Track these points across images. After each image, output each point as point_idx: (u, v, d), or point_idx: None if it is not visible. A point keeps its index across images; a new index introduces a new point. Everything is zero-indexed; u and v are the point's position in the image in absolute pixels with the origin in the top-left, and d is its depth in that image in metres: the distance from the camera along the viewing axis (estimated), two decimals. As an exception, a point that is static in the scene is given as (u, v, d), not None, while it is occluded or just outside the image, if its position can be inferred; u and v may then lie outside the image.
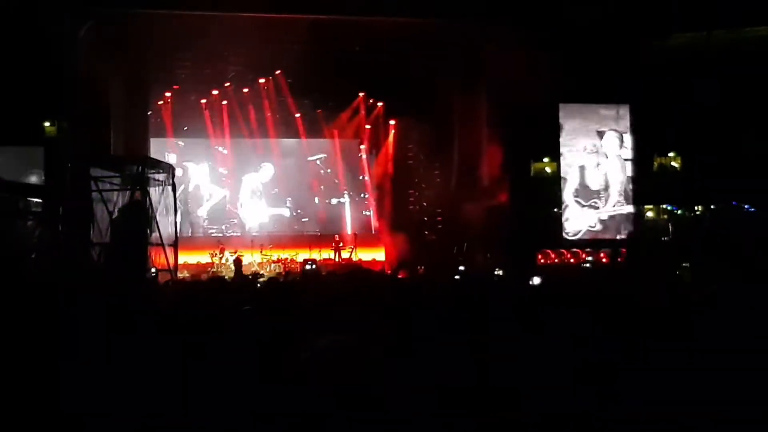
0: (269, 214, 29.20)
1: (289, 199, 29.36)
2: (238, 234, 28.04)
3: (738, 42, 23.91)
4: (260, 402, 3.41)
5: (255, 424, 3.42)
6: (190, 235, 27.72)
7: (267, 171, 29.31)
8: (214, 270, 24.71)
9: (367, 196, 29.89)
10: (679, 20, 23.45)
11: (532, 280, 10.70)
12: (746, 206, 25.41)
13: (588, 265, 23.72)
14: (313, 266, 24.01)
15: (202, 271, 24.49)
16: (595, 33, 23.09)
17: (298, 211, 29.38)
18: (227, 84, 27.61)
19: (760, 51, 23.78)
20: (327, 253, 27.31)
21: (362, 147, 29.89)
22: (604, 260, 24.92)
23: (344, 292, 6.35)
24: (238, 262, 24.00)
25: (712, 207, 25.79)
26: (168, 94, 27.50)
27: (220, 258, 25.55)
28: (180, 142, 28.43)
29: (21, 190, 18.08)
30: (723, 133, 23.36)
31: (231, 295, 7.07)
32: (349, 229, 28.89)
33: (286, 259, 26.25)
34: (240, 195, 29.09)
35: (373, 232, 29.39)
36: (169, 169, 21.92)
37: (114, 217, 19.45)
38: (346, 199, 29.59)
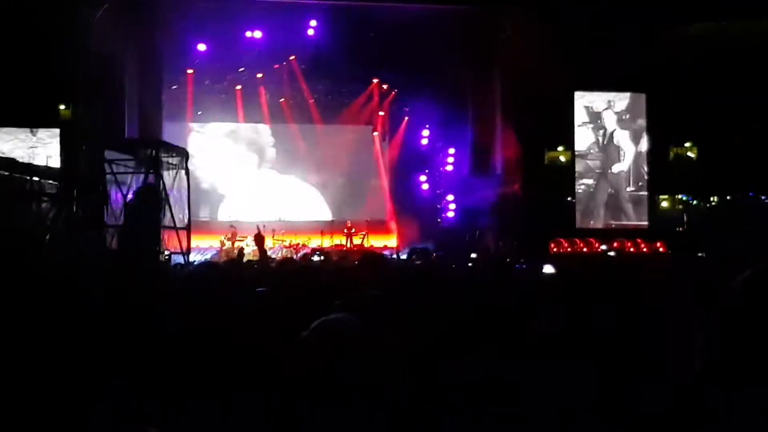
0: (282, 199, 29.19)
1: (302, 184, 29.37)
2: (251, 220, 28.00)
3: (756, 32, 23.80)
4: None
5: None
6: (208, 218, 27.62)
7: (280, 155, 29.33)
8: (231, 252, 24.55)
9: (379, 182, 29.84)
10: (697, 9, 23.34)
11: (544, 269, 10.56)
12: (763, 197, 25.34)
13: (612, 253, 23.59)
14: (321, 257, 23.20)
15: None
16: (612, 20, 22.98)
17: (310, 196, 29.38)
18: (241, 69, 27.62)
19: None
20: (339, 239, 27.35)
21: (375, 134, 29.87)
22: (631, 249, 24.89)
23: (357, 276, 6.34)
24: (259, 239, 23.54)
25: (728, 197, 25.74)
26: (183, 77, 27.53)
27: (232, 243, 25.51)
28: (195, 126, 28.44)
29: (36, 171, 18.10)
30: (739, 123, 23.28)
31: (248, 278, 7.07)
32: (360, 216, 28.84)
33: (298, 244, 26.27)
34: (252, 180, 29.10)
35: (385, 218, 29.36)
36: (183, 153, 21.93)
37: (128, 200, 19.49)
38: (357, 185, 29.53)
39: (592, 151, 26.59)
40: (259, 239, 23.03)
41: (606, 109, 26.63)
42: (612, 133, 26.60)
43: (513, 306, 4.98)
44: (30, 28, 21.57)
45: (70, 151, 22.35)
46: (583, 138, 26.52)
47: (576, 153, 26.35)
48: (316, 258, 22.28)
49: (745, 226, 22.50)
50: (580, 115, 26.51)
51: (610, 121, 26.65)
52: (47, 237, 16.18)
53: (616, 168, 26.69)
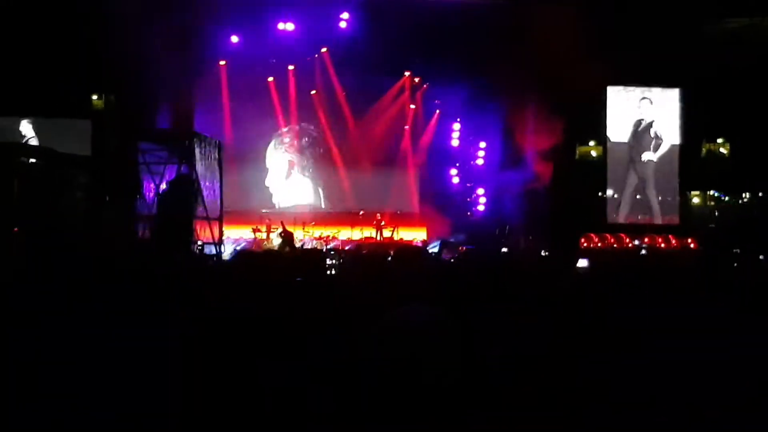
0: (312, 191, 29.24)
1: (333, 176, 29.39)
2: (282, 208, 27.99)
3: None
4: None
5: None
6: (239, 209, 27.50)
7: (311, 148, 29.36)
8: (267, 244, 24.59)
9: (409, 175, 29.78)
10: (734, 4, 23.17)
11: (579, 263, 10.57)
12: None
13: (644, 251, 23.53)
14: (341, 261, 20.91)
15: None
16: (645, 15, 22.86)
17: (341, 188, 29.39)
18: (273, 61, 27.68)
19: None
20: (368, 231, 27.35)
21: (406, 127, 29.81)
22: (662, 245, 24.84)
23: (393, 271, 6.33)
24: (289, 237, 23.59)
25: (760, 195, 25.58)
26: (215, 68, 27.59)
27: (267, 234, 25.54)
28: (226, 117, 28.46)
29: (69, 161, 18.24)
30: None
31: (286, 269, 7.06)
32: (390, 209, 28.79)
33: (328, 236, 26.28)
34: (283, 172, 29.12)
35: (415, 211, 29.29)
36: (216, 144, 22.05)
37: (161, 190, 19.63)
38: (387, 178, 29.47)
39: (625, 141, 26.54)
40: (288, 235, 23.12)
41: (643, 98, 26.57)
42: (650, 124, 26.51)
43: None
44: (63, 18, 21.71)
45: (102, 141, 22.48)
46: (618, 127, 26.45)
47: (610, 143, 26.32)
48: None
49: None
50: (616, 104, 26.45)
51: (647, 112, 26.57)
52: (80, 225, 16.32)
53: (645, 156, 26.59)
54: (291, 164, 29.25)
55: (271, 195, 28.59)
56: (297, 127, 29.21)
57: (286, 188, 29.00)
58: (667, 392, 3.56)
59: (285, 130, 29.15)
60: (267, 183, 28.76)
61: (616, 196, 26.52)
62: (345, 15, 26.31)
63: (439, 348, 2.54)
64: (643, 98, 26.67)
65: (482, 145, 28.43)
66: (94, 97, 24.06)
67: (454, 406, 2.60)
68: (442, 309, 2.80)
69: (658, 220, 26.45)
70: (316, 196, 29.25)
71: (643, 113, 26.69)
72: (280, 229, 25.30)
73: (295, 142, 29.28)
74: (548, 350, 3.68)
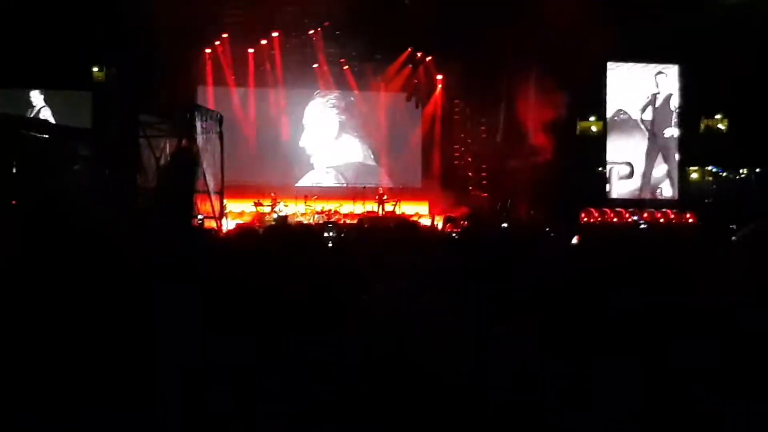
0: (315, 164, 29.27)
1: (336, 150, 29.42)
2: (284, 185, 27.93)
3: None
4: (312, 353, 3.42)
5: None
6: (242, 182, 27.34)
7: (313, 121, 29.35)
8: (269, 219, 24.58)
9: (412, 149, 29.77)
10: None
11: (573, 240, 10.41)
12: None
13: (644, 225, 23.54)
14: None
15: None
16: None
17: (344, 162, 29.42)
18: (275, 34, 27.62)
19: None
20: (371, 206, 27.40)
21: (409, 101, 29.77)
22: (661, 220, 24.90)
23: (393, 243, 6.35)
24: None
25: (757, 170, 25.60)
26: (217, 42, 27.55)
27: (273, 207, 25.54)
28: (229, 90, 28.42)
29: (70, 134, 18.23)
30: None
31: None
32: (393, 183, 28.82)
33: (330, 210, 26.31)
34: (285, 145, 29.07)
35: (418, 186, 29.32)
36: (217, 117, 22.01)
37: (161, 163, 19.61)
38: (390, 152, 29.49)
39: (647, 116, 26.64)
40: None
41: (659, 73, 26.63)
42: (668, 97, 26.58)
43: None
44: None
45: (103, 113, 22.45)
46: (631, 102, 26.52)
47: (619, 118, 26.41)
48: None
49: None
50: (628, 78, 26.52)
51: (666, 85, 26.64)
52: (80, 199, 16.32)
53: (668, 132, 26.68)
54: (293, 137, 29.20)
55: (273, 168, 28.33)
56: (299, 100, 29.20)
57: (289, 162, 28.90)
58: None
59: (287, 102, 29.07)
60: (270, 156, 28.57)
61: (631, 171, 26.56)
62: None
63: (420, 332, 2.54)
64: (659, 73, 26.68)
65: (484, 120, 28.40)
66: (95, 69, 24.01)
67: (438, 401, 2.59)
68: (430, 288, 2.81)
69: (671, 195, 26.56)
70: (318, 170, 29.24)
71: (660, 89, 26.72)
72: (283, 203, 25.42)
73: (298, 116, 29.25)
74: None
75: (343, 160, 29.45)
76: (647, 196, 26.52)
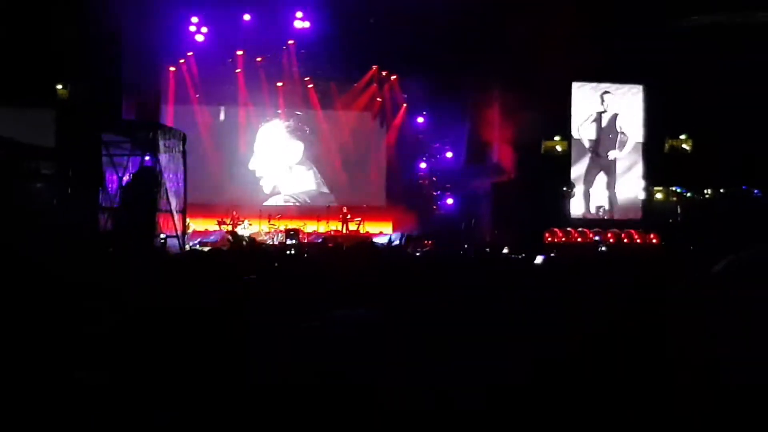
0: (279, 184, 29.16)
1: (300, 169, 29.35)
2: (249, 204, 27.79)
3: (755, 25, 23.77)
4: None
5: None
6: (205, 201, 27.17)
7: (278, 140, 29.27)
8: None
9: (376, 168, 29.75)
10: (696, 1, 23.36)
11: (536, 259, 10.50)
12: (756, 191, 25.39)
13: (603, 248, 23.61)
14: (294, 241, 23.72)
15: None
16: (611, 11, 22.96)
17: (308, 181, 29.35)
18: (240, 52, 27.60)
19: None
20: (335, 225, 27.37)
21: (373, 120, 29.79)
22: (625, 240, 25.02)
23: (352, 266, 6.35)
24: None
25: (721, 191, 25.80)
26: (181, 60, 27.49)
27: (233, 227, 25.41)
28: (194, 109, 28.30)
29: (32, 152, 18.08)
30: (734, 116, 23.22)
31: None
32: (357, 202, 28.77)
33: (294, 229, 26.21)
34: (250, 164, 28.98)
35: (382, 204, 29.28)
36: (180, 136, 21.92)
37: (124, 182, 19.51)
38: (355, 171, 29.42)
39: (590, 134, 26.74)
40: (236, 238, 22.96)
41: (605, 92, 26.76)
42: (614, 119, 26.72)
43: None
44: (26, 6, 21.51)
45: (66, 131, 22.27)
46: (583, 123, 26.63)
47: (574, 139, 26.52)
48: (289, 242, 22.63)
49: (737, 218, 22.57)
50: (581, 99, 26.64)
51: (610, 107, 26.78)
52: (41, 217, 16.18)
53: (611, 155, 26.83)
54: (258, 156, 29.09)
55: (237, 187, 28.15)
56: (264, 119, 29.15)
57: (254, 180, 28.80)
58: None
59: (252, 121, 28.99)
60: (234, 175, 28.45)
61: (579, 191, 26.67)
62: (299, 14, 26.49)
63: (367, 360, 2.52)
64: (605, 92, 26.86)
65: (448, 139, 28.46)
66: (59, 86, 23.85)
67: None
68: (380, 313, 2.78)
69: (622, 216, 26.68)
70: (283, 189, 29.15)
71: (606, 108, 26.89)
72: (247, 222, 25.38)
73: (263, 134, 29.18)
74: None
75: (305, 179, 29.33)
76: (589, 216, 26.63)
